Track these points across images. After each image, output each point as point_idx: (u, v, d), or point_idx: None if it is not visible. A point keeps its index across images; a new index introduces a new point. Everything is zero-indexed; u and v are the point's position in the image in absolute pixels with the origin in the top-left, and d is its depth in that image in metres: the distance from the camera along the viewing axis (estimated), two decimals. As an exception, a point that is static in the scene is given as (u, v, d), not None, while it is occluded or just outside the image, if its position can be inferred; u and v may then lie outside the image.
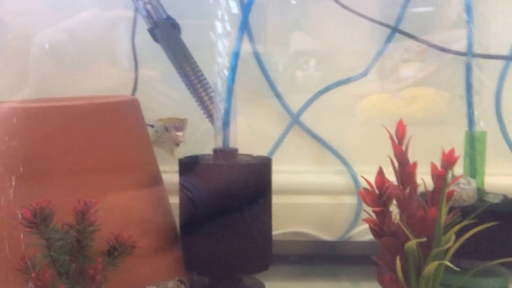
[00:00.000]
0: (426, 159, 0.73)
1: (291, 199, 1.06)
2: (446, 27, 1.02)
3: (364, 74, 1.04)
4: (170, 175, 0.90)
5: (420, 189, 0.74)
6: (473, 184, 0.88)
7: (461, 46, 0.95)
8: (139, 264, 0.76)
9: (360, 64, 1.04)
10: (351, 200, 1.06)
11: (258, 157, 0.89)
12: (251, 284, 0.89)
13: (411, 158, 0.73)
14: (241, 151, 0.88)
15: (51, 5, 1.02)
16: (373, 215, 0.72)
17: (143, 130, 0.87)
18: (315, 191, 1.07)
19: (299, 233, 1.07)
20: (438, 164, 0.73)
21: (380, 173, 0.72)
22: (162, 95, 1.05)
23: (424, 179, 0.73)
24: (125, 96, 0.94)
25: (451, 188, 0.79)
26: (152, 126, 0.93)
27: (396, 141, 0.73)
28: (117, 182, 0.79)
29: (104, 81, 1.02)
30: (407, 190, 0.73)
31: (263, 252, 0.85)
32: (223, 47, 0.86)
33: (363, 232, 1.03)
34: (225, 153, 0.85)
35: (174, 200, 0.87)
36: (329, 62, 1.07)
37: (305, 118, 1.07)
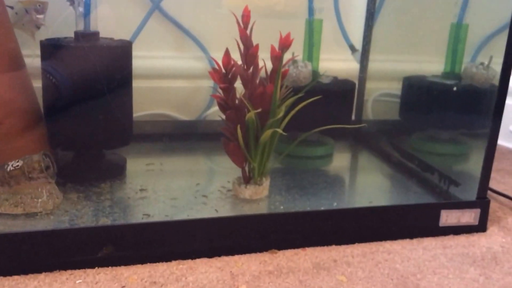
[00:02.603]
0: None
1: (152, 83, 1.10)
2: None
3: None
4: (31, 59, 0.91)
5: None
6: (309, 67, 0.98)
7: None
8: (5, 142, 0.80)
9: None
10: (208, 83, 1.12)
11: (118, 41, 0.90)
12: (114, 159, 0.95)
13: (263, 48, 0.78)
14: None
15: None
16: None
17: (2, 12, 0.86)
18: (174, 75, 1.13)
19: (160, 114, 1.14)
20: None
21: (227, 53, 0.78)
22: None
23: (266, 62, 0.79)
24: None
25: (287, 68, 0.88)
26: (11, 7, 0.91)
27: (242, 26, 0.78)
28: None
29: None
30: (250, 70, 0.80)
31: (124, 129, 0.89)
32: None
33: (217, 112, 1.11)
34: (86, 36, 0.86)
35: (38, 84, 0.88)
36: None
37: (167, 4, 1.10)
